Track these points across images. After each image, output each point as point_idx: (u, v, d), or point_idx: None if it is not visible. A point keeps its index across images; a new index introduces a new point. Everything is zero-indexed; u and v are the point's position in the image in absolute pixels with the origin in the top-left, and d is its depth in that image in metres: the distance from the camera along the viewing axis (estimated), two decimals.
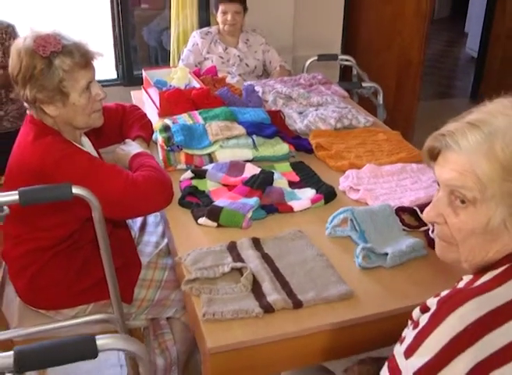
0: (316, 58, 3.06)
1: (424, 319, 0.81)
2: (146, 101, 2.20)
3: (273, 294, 1.10)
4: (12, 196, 1.26)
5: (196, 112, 1.85)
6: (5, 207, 1.31)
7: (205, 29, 3.02)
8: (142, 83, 2.35)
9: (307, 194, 1.50)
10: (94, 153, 1.62)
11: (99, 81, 1.50)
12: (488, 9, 4.38)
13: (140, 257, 1.66)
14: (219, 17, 2.91)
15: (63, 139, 1.47)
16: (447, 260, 0.91)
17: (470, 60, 5.72)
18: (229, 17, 2.87)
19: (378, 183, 1.57)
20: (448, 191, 0.84)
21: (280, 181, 1.54)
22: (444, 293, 0.83)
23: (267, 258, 1.23)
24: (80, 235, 1.53)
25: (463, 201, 0.82)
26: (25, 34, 1.42)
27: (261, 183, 1.46)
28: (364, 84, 2.78)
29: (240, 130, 1.70)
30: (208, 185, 1.52)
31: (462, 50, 6.15)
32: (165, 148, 1.65)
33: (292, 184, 1.55)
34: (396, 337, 1.04)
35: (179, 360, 1.77)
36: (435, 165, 0.87)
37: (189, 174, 1.54)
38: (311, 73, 2.51)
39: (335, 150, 1.75)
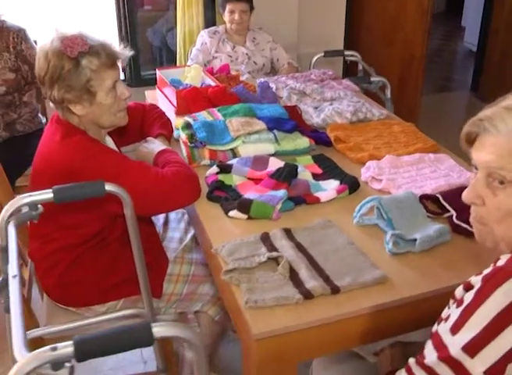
0: (323, 54, 3.10)
1: (469, 297, 0.85)
2: (161, 100, 2.23)
3: (311, 281, 1.14)
4: (47, 194, 1.28)
5: (214, 109, 1.88)
6: (39, 205, 1.33)
7: (213, 28, 3.06)
8: (149, 84, 2.38)
9: (332, 185, 1.53)
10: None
11: None
12: (486, 3, 4.43)
13: (166, 252, 1.70)
14: (226, 16, 2.94)
15: (91, 138, 1.50)
16: (486, 243, 0.94)
17: (468, 54, 5.77)
18: (236, 16, 2.91)
19: (399, 173, 1.61)
20: (486, 173, 0.88)
21: (304, 174, 1.57)
22: (487, 271, 0.86)
23: (300, 248, 1.26)
24: (108, 232, 1.56)
25: (501, 182, 0.86)
26: (51, 36, 1.45)
27: (287, 175, 1.49)
28: (372, 79, 2.81)
29: (260, 125, 1.74)
30: (234, 179, 1.55)
31: (460, 44, 6.20)
32: (189, 144, 1.68)
33: (315, 176, 1.59)
34: (431, 319, 1.08)
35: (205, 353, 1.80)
36: (472, 149, 0.91)
37: (214, 169, 1.57)
38: (321, 69, 2.54)
39: (353, 142, 1.78)
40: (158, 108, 1.93)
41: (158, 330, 0.88)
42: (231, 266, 1.18)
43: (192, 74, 2.28)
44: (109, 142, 1.66)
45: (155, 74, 2.34)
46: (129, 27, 3.26)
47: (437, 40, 6.60)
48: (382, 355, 1.30)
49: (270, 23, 3.24)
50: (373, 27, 3.82)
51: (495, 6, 4.26)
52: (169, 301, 1.65)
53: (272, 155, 1.69)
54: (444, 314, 0.95)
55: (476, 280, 0.85)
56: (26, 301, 1.59)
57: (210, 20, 3.38)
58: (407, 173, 1.62)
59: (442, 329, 0.88)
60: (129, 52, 1.51)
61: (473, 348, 0.81)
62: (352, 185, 1.52)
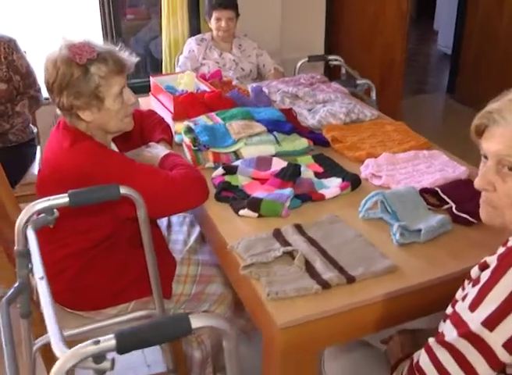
0: (307, 59, 3.18)
1: (485, 275, 0.91)
2: (156, 106, 2.26)
3: (327, 272, 1.19)
4: (63, 199, 1.30)
5: (213, 114, 1.92)
6: (55, 210, 1.36)
7: (199, 36, 3.11)
8: (136, 92, 2.40)
9: (334, 182, 1.59)
10: None
11: None
12: (459, 7, 4.59)
13: (173, 254, 1.73)
14: (213, 24, 2.99)
15: (99, 143, 1.53)
16: (493, 224, 1.01)
17: (442, 57, 5.94)
18: (222, 23, 2.96)
19: (396, 170, 1.68)
20: (496, 160, 0.95)
21: (307, 173, 1.63)
22: (500, 251, 0.93)
23: (312, 241, 1.32)
24: (118, 235, 1.58)
25: (510, 169, 0.93)
26: (58, 44, 1.48)
27: (292, 174, 1.55)
28: (358, 82, 2.90)
29: (260, 127, 1.79)
30: (240, 180, 1.60)
31: (433, 47, 6.37)
32: (193, 148, 1.72)
33: (317, 175, 1.65)
34: (439, 304, 1.15)
35: (212, 353, 1.84)
36: (482, 140, 0.98)
37: (220, 171, 1.62)
38: (309, 74, 2.61)
39: (350, 142, 1.85)
40: (156, 114, 1.96)
41: (196, 321, 0.91)
42: (249, 261, 1.23)
43: (185, 81, 2.33)
44: (114, 148, 1.69)
45: (142, 82, 2.38)
46: (115, 36, 3.28)
47: (411, 44, 6.75)
48: (392, 343, 1.35)
49: (254, 30, 3.31)
50: (353, 32, 3.92)
51: (468, 10, 4.41)
52: (178, 302, 1.69)
53: (273, 155, 1.74)
54: (458, 295, 1.01)
55: (491, 260, 0.92)
56: (38, 307, 1.60)
57: (195, 28, 3.43)
58: (404, 169, 1.69)
59: (460, 307, 0.94)
60: (134, 59, 1.55)
61: (492, 322, 0.88)
62: (354, 182, 1.58)
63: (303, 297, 1.15)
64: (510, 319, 0.87)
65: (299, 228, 1.37)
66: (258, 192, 1.50)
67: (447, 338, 0.94)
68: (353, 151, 1.80)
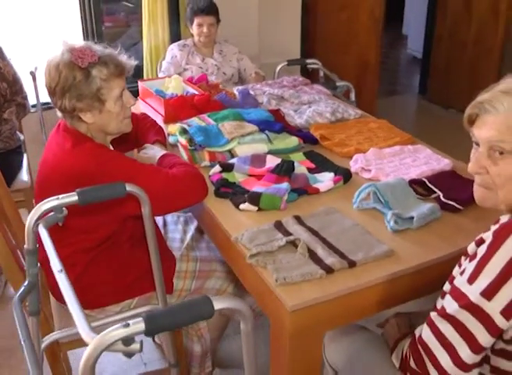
0: (286, 63, 3.26)
1: (482, 250, 1.00)
2: (146, 110, 2.31)
3: (329, 258, 1.27)
4: (71, 197, 1.34)
5: (205, 115, 1.99)
6: (64, 208, 1.39)
7: (181, 41, 3.16)
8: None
9: (327, 177, 1.67)
10: None
11: None
12: (429, 11, 4.76)
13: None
14: (195, 29, 3.06)
15: (100, 144, 1.58)
16: (486, 204, 1.10)
17: (412, 60, 6.13)
18: (204, 29, 3.03)
19: (384, 164, 1.77)
20: (488, 146, 1.04)
21: (300, 168, 1.70)
22: (495, 227, 1.02)
23: (312, 231, 1.39)
24: (119, 234, 1.63)
25: (501, 153, 1.02)
26: (60, 49, 1.52)
27: (286, 170, 1.62)
28: (338, 84, 2.99)
29: (252, 127, 1.86)
30: (237, 177, 1.66)
31: (403, 51, 6.56)
32: (189, 147, 1.78)
33: (310, 170, 1.72)
34: (434, 285, 1.24)
35: (211, 347, 1.89)
36: (473, 128, 1.06)
37: (217, 168, 1.68)
38: (291, 76, 2.70)
39: (338, 139, 1.94)
40: (149, 117, 2.01)
41: (217, 303, 0.96)
42: (255, 251, 1.29)
43: (173, 85, 2.38)
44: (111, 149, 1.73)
45: (128, 87, 2.41)
46: (97, 42, 3.30)
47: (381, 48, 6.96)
48: (389, 325, 1.43)
49: (233, 36, 3.39)
50: (327, 36, 4.04)
51: (438, 14, 4.57)
52: (180, 297, 1.74)
53: (267, 153, 1.81)
54: (455, 272, 1.09)
55: (487, 236, 1.01)
56: (44, 306, 1.63)
57: (175, 34, 3.48)
58: (391, 163, 1.78)
59: (459, 281, 1.02)
60: (133, 62, 1.61)
61: (490, 292, 0.96)
62: (345, 176, 1.66)
63: (308, 281, 1.22)
64: (506, 287, 0.95)
65: (298, 219, 1.44)
66: (256, 187, 1.57)
67: (448, 311, 1.02)
68: (341, 148, 1.88)
